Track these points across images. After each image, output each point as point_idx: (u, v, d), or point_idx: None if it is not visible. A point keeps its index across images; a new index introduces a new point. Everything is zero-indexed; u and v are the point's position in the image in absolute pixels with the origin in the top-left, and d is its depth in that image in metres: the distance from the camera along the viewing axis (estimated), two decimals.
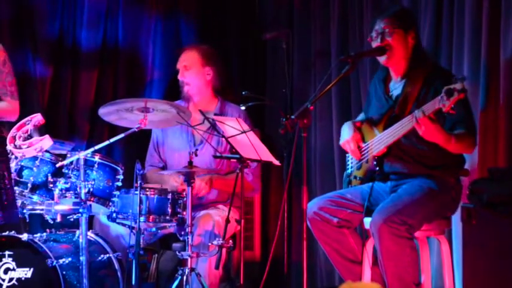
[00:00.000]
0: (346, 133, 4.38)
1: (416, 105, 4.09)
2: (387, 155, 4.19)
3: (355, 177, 4.38)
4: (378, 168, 4.20)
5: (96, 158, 4.47)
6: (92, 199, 4.43)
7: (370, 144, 4.25)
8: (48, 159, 4.46)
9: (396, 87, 4.30)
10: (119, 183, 4.56)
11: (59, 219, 4.43)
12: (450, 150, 4.04)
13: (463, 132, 4.05)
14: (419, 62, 4.23)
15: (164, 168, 5.13)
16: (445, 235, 4.31)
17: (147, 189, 4.45)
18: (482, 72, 4.45)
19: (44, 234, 4.52)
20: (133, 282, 4.29)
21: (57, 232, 4.67)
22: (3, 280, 4.36)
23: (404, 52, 4.23)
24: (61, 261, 4.34)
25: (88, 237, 4.42)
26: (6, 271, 4.37)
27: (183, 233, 4.44)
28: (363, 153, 4.31)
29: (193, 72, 5.06)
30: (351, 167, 4.44)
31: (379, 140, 4.18)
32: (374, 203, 4.26)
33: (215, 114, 4.91)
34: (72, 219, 4.47)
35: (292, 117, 3.90)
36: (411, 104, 4.14)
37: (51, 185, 4.39)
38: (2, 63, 4.24)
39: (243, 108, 4.78)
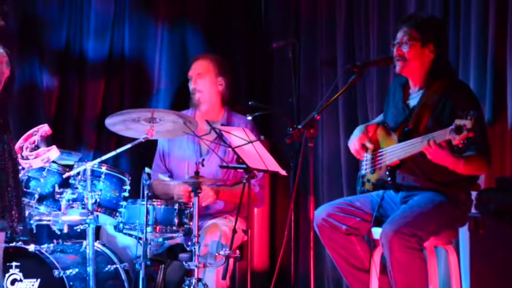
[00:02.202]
0: (355, 135, 4.37)
1: (432, 120, 4.06)
2: (400, 167, 4.16)
3: (368, 180, 4.35)
4: (389, 178, 4.17)
5: (103, 169, 4.48)
6: (98, 210, 4.44)
7: (385, 152, 4.22)
8: (55, 170, 4.47)
9: (414, 96, 4.25)
10: (126, 194, 4.56)
11: (66, 230, 4.43)
12: (459, 172, 3.97)
13: (474, 154, 3.98)
14: (438, 76, 4.16)
15: (170, 178, 5.12)
16: (453, 245, 4.30)
17: (154, 200, 4.46)
18: (489, 79, 4.44)
19: (51, 245, 4.52)
20: None
21: (64, 243, 4.67)
22: None
23: (420, 64, 4.16)
24: (68, 272, 4.34)
25: (95, 247, 4.43)
26: (13, 282, 4.37)
27: (190, 243, 4.44)
28: (377, 158, 4.27)
29: (206, 81, 5.08)
30: (365, 169, 4.40)
31: (393, 151, 4.14)
32: (383, 213, 4.25)
33: (222, 125, 4.91)
34: (79, 230, 4.47)
35: (299, 127, 3.89)
36: (426, 119, 4.11)
37: (58, 196, 4.40)
38: None
39: (249, 118, 4.77)
